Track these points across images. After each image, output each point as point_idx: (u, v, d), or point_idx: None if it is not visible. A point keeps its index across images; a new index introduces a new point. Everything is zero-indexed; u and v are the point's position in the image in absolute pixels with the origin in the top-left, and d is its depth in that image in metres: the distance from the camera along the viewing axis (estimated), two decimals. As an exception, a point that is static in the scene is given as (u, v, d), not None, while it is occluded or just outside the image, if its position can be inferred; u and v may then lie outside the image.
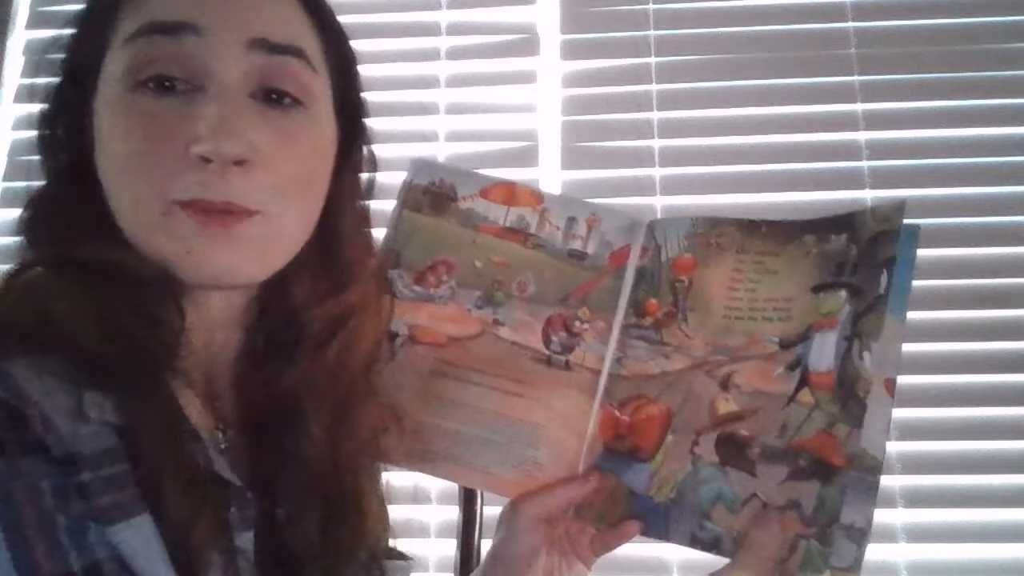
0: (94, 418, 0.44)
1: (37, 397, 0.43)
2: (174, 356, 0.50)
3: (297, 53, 0.51)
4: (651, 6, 1.32)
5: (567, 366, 0.61)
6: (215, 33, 0.48)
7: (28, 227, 0.53)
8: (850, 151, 1.24)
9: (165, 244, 0.48)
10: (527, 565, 0.58)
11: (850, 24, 1.28)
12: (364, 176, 0.61)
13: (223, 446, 0.54)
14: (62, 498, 0.42)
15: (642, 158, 1.27)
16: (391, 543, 0.66)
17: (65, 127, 0.53)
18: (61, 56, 0.54)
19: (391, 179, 1.25)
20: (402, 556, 0.66)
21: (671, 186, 1.26)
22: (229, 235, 0.48)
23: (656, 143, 1.28)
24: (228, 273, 0.49)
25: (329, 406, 0.55)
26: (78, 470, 0.43)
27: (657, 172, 1.27)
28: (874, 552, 1.13)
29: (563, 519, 0.62)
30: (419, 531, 1.17)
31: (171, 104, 0.48)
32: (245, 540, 0.50)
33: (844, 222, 0.55)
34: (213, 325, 0.55)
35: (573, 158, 1.29)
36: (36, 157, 0.54)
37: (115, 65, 0.49)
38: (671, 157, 1.27)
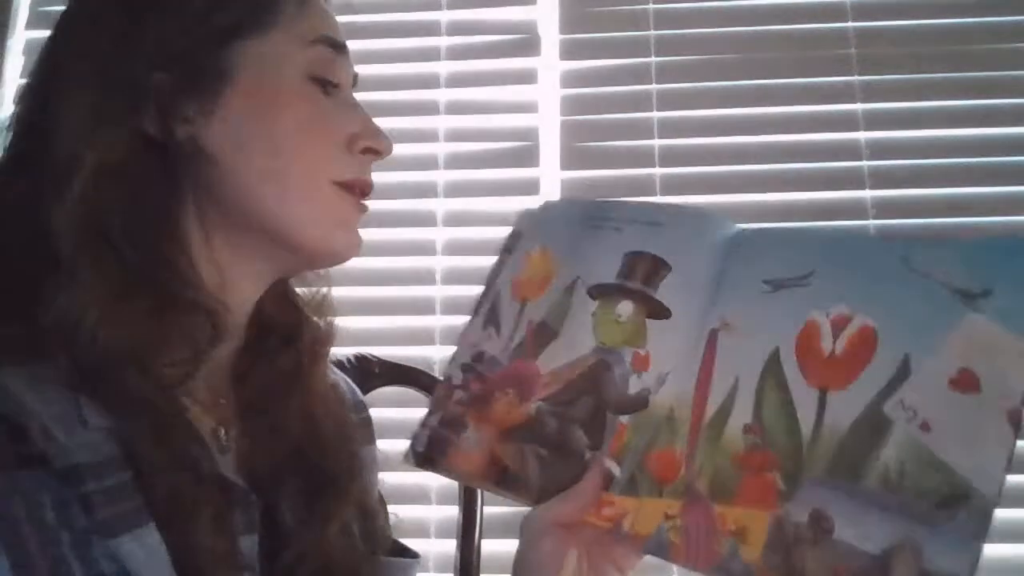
0: (93, 424, 0.44)
1: (34, 407, 0.43)
2: (189, 380, 0.50)
3: None
4: (651, 6, 1.32)
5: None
6: (348, 52, 0.59)
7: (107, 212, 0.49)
8: (850, 151, 1.24)
9: (322, 217, 0.55)
10: (550, 574, 0.52)
11: (850, 24, 1.28)
12: None
13: (225, 444, 0.54)
14: (64, 512, 0.42)
15: (642, 158, 1.27)
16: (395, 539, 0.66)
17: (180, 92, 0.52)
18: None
19: (389, 178, 1.26)
20: (407, 552, 0.66)
21: (671, 186, 1.26)
22: (364, 212, 0.57)
23: (656, 143, 1.27)
24: (358, 248, 0.58)
25: (297, 403, 0.58)
26: (81, 481, 0.42)
27: (657, 172, 1.27)
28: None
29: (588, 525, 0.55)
30: (419, 531, 1.17)
31: (331, 101, 0.56)
32: (248, 544, 0.50)
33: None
34: (236, 325, 0.56)
35: (573, 158, 1.29)
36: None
37: (292, 54, 0.55)
38: (671, 157, 1.27)
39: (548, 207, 0.62)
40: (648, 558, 0.50)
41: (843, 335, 0.48)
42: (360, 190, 0.57)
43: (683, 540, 0.47)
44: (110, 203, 0.49)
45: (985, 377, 0.43)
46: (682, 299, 0.52)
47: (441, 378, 0.59)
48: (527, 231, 0.61)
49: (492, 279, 0.60)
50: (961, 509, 0.41)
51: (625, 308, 0.53)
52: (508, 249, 0.61)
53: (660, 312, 0.52)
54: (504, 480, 0.53)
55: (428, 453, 0.56)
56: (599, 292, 0.55)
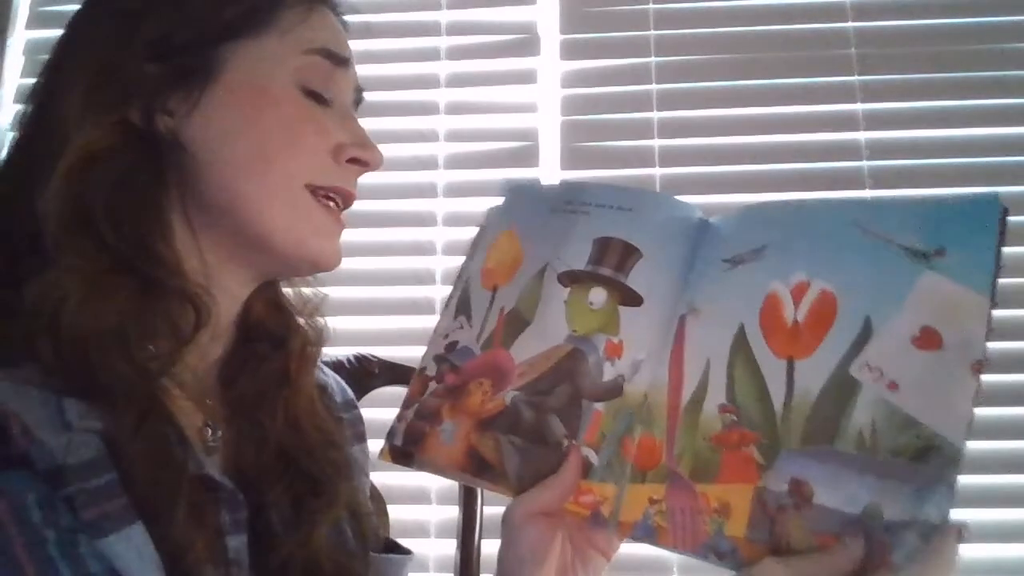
0: (77, 426, 0.44)
1: (16, 408, 0.42)
2: (170, 367, 0.50)
3: None
4: (651, 6, 1.32)
5: None
6: (351, 68, 0.59)
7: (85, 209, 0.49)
8: (850, 151, 1.24)
9: (297, 223, 0.54)
10: (535, 564, 0.51)
11: (850, 24, 1.28)
12: None
13: (212, 444, 0.53)
14: (50, 511, 0.41)
15: (642, 158, 1.27)
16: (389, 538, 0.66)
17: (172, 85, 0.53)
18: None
19: (389, 179, 1.26)
20: (399, 549, 0.66)
21: (671, 186, 1.25)
22: (342, 226, 0.57)
23: (656, 143, 1.28)
24: (337, 258, 0.57)
25: (282, 409, 0.58)
26: (65, 482, 0.42)
27: (657, 172, 1.27)
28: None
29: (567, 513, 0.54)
30: (419, 531, 1.17)
31: (321, 110, 0.56)
32: (238, 543, 0.50)
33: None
34: (223, 323, 0.56)
35: (573, 158, 1.29)
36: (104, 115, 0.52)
37: (285, 59, 0.54)
38: (671, 157, 1.27)
39: (514, 190, 0.62)
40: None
41: (803, 302, 0.48)
42: (342, 200, 0.57)
43: (669, 523, 0.48)
44: (94, 187, 0.49)
45: (947, 333, 0.44)
46: (653, 286, 0.53)
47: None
48: (492, 224, 0.61)
49: (462, 271, 0.61)
50: (932, 459, 0.42)
51: (598, 296, 0.54)
52: (476, 243, 0.61)
53: (632, 299, 0.53)
54: (482, 472, 0.53)
55: (405, 447, 0.56)
56: (571, 279, 0.55)
